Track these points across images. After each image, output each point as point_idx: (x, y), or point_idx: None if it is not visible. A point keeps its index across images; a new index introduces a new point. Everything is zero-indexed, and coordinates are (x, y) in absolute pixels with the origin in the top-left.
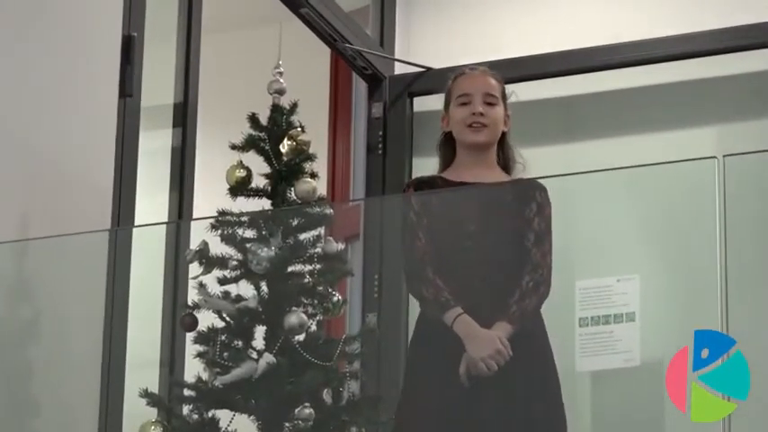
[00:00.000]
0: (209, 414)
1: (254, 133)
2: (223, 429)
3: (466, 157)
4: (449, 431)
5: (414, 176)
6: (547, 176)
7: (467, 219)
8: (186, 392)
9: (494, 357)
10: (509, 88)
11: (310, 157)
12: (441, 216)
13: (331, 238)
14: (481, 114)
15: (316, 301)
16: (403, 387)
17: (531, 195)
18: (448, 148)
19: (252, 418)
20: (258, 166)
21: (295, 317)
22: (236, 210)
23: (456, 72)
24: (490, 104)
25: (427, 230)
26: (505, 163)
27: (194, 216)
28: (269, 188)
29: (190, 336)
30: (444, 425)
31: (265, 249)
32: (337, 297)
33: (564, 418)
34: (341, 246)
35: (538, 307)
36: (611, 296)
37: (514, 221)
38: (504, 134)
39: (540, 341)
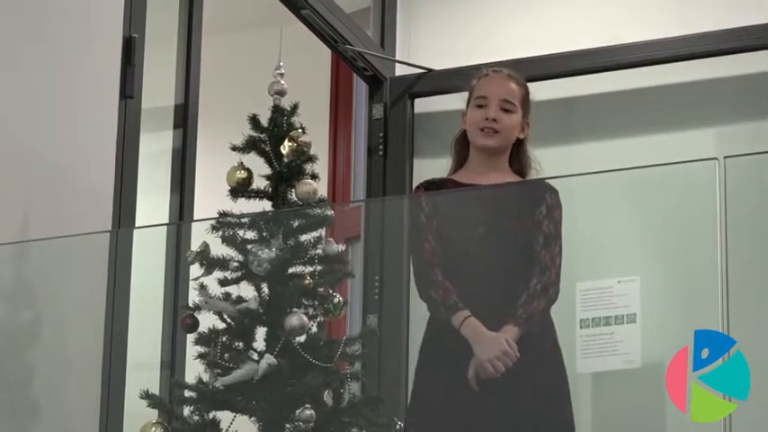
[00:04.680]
0: (210, 415)
1: (254, 134)
2: (224, 431)
3: (477, 160)
4: None
5: (413, 176)
6: (547, 177)
7: (476, 221)
8: (187, 394)
9: (500, 359)
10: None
11: (311, 159)
12: (450, 218)
13: (332, 240)
14: (494, 120)
15: (316, 303)
16: (413, 389)
17: (542, 197)
18: (463, 147)
19: (253, 419)
20: (259, 168)
21: (296, 318)
22: (236, 211)
23: (481, 72)
24: (506, 111)
25: (436, 233)
26: (521, 169)
27: (195, 217)
28: (269, 189)
29: (190, 337)
30: (454, 427)
31: (266, 251)
32: (338, 298)
33: (572, 420)
34: (341, 247)
35: (546, 309)
36: (611, 297)
37: (524, 224)
38: (521, 140)
39: (549, 343)
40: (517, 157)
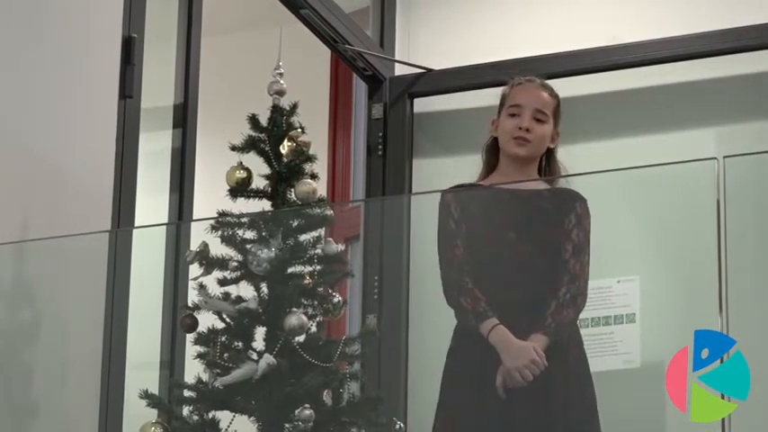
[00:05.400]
0: (210, 415)
1: (254, 134)
2: (223, 430)
3: (507, 167)
4: None
5: (413, 176)
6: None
7: (506, 227)
8: (186, 393)
9: (529, 367)
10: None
11: (310, 159)
12: (480, 223)
13: (331, 240)
14: (527, 130)
15: (316, 303)
16: (440, 398)
17: (571, 206)
18: (493, 152)
19: (252, 419)
20: (258, 168)
21: (295, 318)
22: (236, 211)
23: (514, 80)
24: (539, 121)
25: (465, 238)
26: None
27: (194, 217)
28: (269, 189)
29: (190, 337)
30: None
31: (265, 250)
32: (337, 298)
33: (599, 429)
34: (341, 247)
35: (575, 318)
36: (611, 297)
37: (553, 231)
38: (551, 150)
39: (576, 352)
40: (547, 164)
